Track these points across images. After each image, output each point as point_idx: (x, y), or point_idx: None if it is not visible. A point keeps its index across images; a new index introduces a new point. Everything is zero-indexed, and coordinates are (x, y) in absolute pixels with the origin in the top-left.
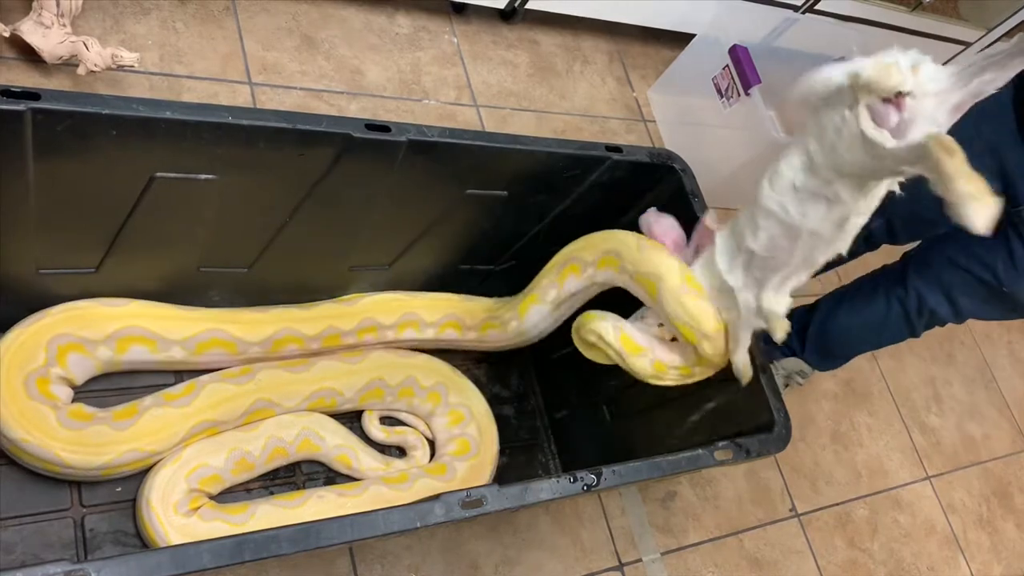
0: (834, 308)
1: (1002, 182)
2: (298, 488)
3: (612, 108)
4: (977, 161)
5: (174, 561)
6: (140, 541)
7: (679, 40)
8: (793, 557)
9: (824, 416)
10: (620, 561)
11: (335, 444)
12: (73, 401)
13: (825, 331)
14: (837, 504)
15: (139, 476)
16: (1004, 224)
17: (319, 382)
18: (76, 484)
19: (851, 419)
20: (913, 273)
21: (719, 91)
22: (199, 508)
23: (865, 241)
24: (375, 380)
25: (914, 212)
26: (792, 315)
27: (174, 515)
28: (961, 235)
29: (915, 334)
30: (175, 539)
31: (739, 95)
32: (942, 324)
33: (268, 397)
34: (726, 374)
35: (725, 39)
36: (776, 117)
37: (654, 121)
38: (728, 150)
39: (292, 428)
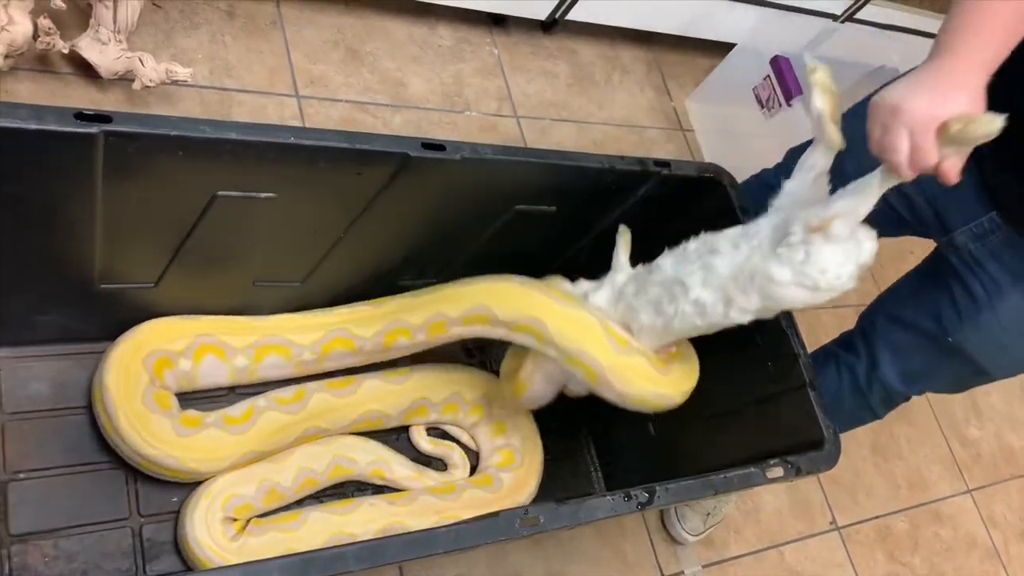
0: None
1: (932, 208)
2: (346, 497)
3: (651, 118)
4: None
5: None
6: None
7: (717, 49)
8: (834, 571)
9: (863, 428)
10: (662, 574)
11: (368, 461)
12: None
13: None
14: (877, 517)
15: (191, 485)
16: (944, 265)
17: (365, 404)
18: (135, 493)
19: (890, 430)
20: (859, 337)
21: (760, 101)
22: (247, 527)
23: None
24: (419, 399)
25: None
26: None
27: (224, 540)
28: (906, 287)
29: (876, 414)
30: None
31: (780, 105)
32: (894, 398)
33: (318, 424)
34: (771, 391)
35: (765, 48)
36: None
37: (693, 131)
38: (769, 160)
39: (322, 459)
